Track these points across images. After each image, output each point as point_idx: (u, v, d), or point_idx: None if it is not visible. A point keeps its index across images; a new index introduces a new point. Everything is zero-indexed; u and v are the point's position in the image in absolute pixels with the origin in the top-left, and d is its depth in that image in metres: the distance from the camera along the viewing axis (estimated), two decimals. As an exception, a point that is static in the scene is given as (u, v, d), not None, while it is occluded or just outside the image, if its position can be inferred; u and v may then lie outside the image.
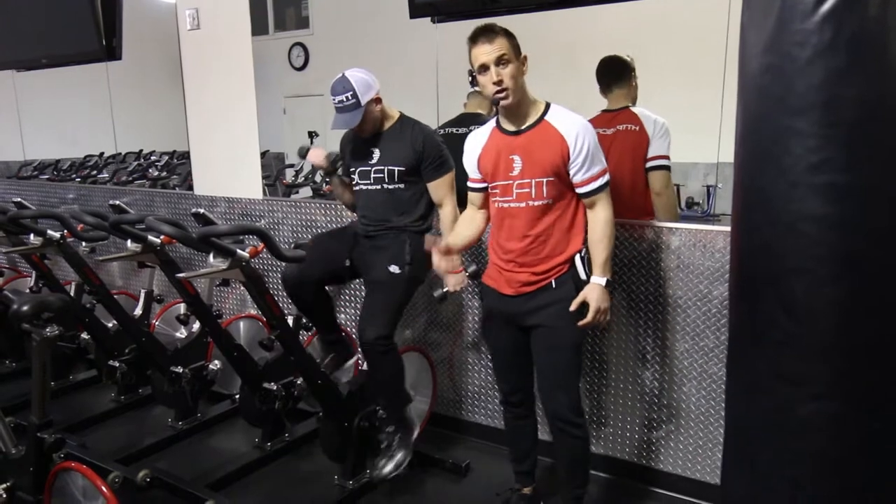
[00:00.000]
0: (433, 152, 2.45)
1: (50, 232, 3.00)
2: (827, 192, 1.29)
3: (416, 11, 2.79)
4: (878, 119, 1.27)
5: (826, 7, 1.24)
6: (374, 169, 2.48)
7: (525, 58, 1.97)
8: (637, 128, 2.66)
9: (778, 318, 1.36)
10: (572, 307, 2.03)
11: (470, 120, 3.00)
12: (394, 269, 2.42)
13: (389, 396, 2.52)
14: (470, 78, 2.95)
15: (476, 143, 2.15)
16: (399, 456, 2.48)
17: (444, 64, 3.33)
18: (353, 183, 2.57)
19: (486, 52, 1.92)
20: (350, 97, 2.34)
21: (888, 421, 1.36)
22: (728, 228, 2.26)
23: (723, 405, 2.33)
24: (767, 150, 1.34)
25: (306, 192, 4.92)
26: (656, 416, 2.53)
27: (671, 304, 2.43)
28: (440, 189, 2.47)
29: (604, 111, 2.77)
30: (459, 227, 2.28)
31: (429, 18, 2.87)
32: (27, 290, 3.52)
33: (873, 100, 1.26)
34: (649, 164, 2.66)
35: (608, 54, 2.77)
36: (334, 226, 3.19)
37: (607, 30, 3.64)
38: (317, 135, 5.41)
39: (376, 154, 2.49)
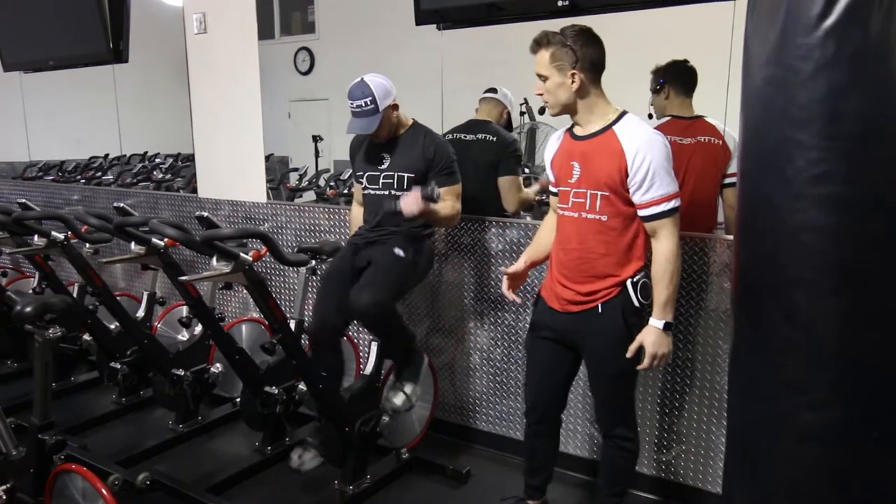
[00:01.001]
0: (443, 161, 2.46)
1: (54, 233, 3.02)
2: (829, 203, 1.31)
3: (422, 18, 2.81)
4: (880, 133, 1.29)
5: (829, 22, 1.25)
6: (383, 174, 2.50)
7: (573, 75, 1.86)
8: (720, 142, 2.57)
9: (779, 326, 1.38)
10: (629, 354, 1.90)
11: (478, 127, 3.02)
12: (398, 251, 2.43)
13: (395, 346, 2.57)
14: None
15: (553, 144, 2.09)
16: (408, 388, 2.58)
17: (450, 70, 3.34)
18: (363, 187, 2.59)
19: (536, 61, 1.91)
20: (369, 102, 2.35)
21: (889, 429, 1.37)
22: (730, 237, 2.29)
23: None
24: (770, 161, 1.36)
25: (310, 195, 4.93)
26: (675, 428, 2.50)
27: (710, 315, 2.34)
28: (446, 197, 2.48)
29: (675, 117, 2.65)
30: (539, 234, 2.20)
31: (435, 25, 2.89)
32: (30, 291, 3.54)
33: (875, 114, 1.28)
34: (729, 181, 2.56)
35: (681, 59, 2.69)
36: (337, 230, 3.21)
37: (612, 37, 3.66)
38: (321, 139, 5.44)
39: (387, 160, 2.51)
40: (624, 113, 1.93)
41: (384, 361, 2.66)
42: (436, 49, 3.21)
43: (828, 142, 1.29)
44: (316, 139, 5.39)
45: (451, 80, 3.38)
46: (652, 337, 1.88)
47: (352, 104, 2.38)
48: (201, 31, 3.48)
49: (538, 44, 1.90)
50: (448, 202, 2.46)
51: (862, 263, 1.33)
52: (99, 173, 5.14)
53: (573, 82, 1.87)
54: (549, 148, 2.10)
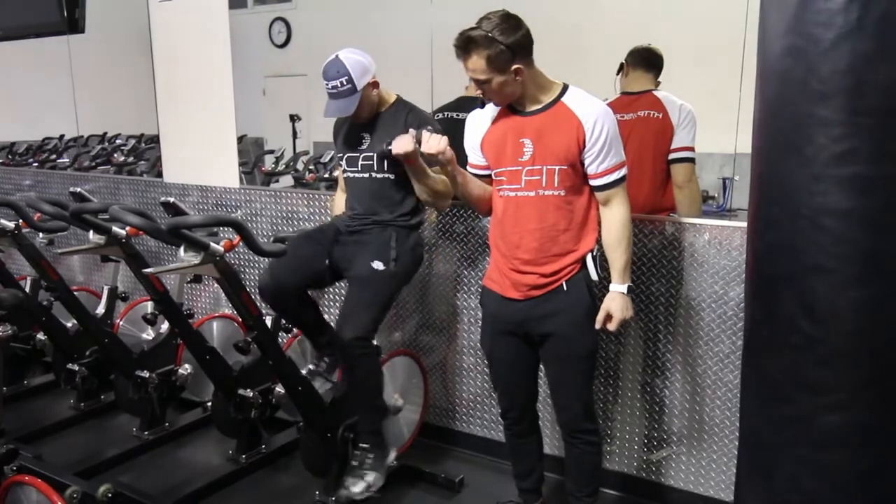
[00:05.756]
0: None
1: (3, 221, 3.00)
2: (852, 185, 1.31)
3: (410, -16, 2.79)
4: (909, 107, 1.28)
5: (853, -16, 1.25)
6: (362, 156, 2.49)
7: (515, 70, 1.91)
8: (660, 115, 2.68)
9: (797, 320, 1.38)
10: (597, 325, 2.05)
11: (469, 104, 3.00)
12: (377, 265, 2.42)
13: (365, 407, 2.51)
14: None
15: (480, 122, 2.12)
16: (370, 478, 2.44)
17: (440, 42, 3.33)
18: (343, 170, 2.58)
19: (466, 67, 1.94)
20: (345, 82, 2.33)
21: (916, 433, 1.38)
22: (745, 224, 2.32)
23: (738, 416, 2.38)
24: (788, 139, 1.36)
25: (287, 180, 4.92)
26: (666, 427, 2.55)
27: (684, 305, 2.45)
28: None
29: (624, 93, 2.79)
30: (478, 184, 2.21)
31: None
32: (-22, 286, 3.51)
33: (903, 86, 1.27)
34: (673, 156, 2.68)
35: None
36: (317, 217, 3.20)
37: (616, 9, 3.66)
38: (299, 118, 5.42)
39: (367, 140, 2.49)
40: (566, 85, 2.03)
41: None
42: (425, 18, 3.20)
43: (852, 117, 1.29)
44: (293, 118, 5.36)
45: (441, 52, 3.37)
46: (619, 302, 2.04)
47: (327, 85, 2.36)
48: (166, -1, 3.45)
49: (465, 50, 1.91)
50: (442, 177, 2.44)
51: (888, 251, 1.32)
52: (53, 156, 5.11)
53: (517, 76, 1.93)
54: (476, 126, 2.13)
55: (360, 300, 2.42)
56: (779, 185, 1.38)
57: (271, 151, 5.11)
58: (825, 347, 1.37)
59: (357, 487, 2.43)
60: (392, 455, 2.57)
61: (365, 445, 2.48)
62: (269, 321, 2.71)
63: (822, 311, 1.36)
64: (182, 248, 2.28)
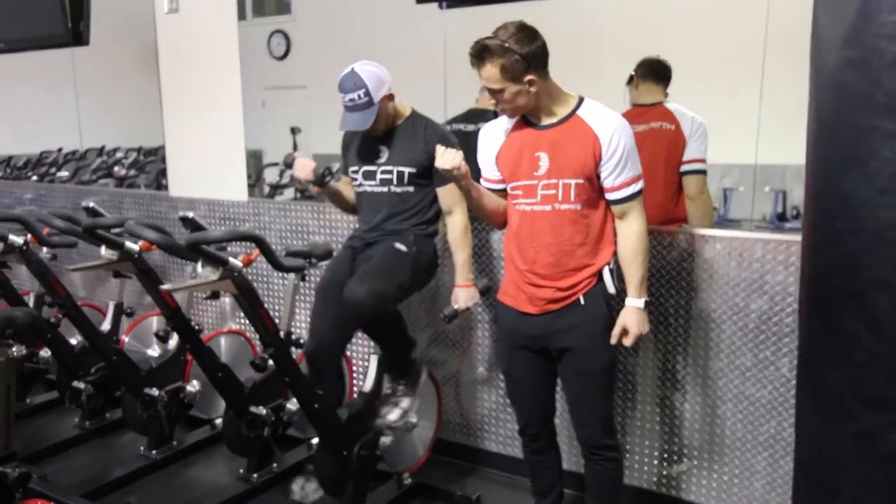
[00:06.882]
0: None
1: (12, 237, 2.92)
2: (921, 199, 1.28)
3: (423, -5, 2.76)
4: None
5: (919, -4, 1.22)
6: (381, 169, 2.45)
7: (529, 81, 1.89)
8: (672, 126, 2.69)
9: (861, 336, 1.35)
10: (613, 340, 2.02)
11: (479, 116, 2.99)
12: (399, 245, 2.40)
13: (391, 348, 2.55)
14: None
15: (495, 135, 2.10)
16: (405, 403, 2.55)
17: (453, 53, 3.30)
18: (357, 184, 2.53)
19: (480, 76, 1.93)
20: (362, 95, 2.29)
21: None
22: (766, 236, 2.30)
23: (761, 430, 2.34)
24: (849, 153, 1.33)
25: (289, 193, 4.86)
26: (686, 442, 2.51)
27: (703, 318, 2.41)
28: (450, 195, 2.43)
29: (635, 105, 2.80)
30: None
31: (436, 4, 2.83)
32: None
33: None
34: (685, 168, 2.68)
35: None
36: (325, 231, 3.14)
37: (629, 20, 3.64)
38: (299, 130, 5.37)
39: (385, 153, 2.46)
40: (582, 98, 2.00)
41: (384, 377, 2.61)
42: (436, 29, 3.16)
43: (919, 131, 1.26)
44: (294, 131, 5.32)
45: (454, 64, 3.33)
46: (635, 317, 2.01)
47: (344, 97, 2.32)
48: (173, 11, 3.40)
49: (480, 59, 1.90)
50: (456, 228, 2.43)
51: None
52: (53, 169, 5.01)
53: (531, 86, 1.91)
54: (491, 140, 2.10)
55: (375, 266, 2.36)
56: (839, 200, 1.35)
57: (275, 164, 5.06)
58: (891, 363, 1.33)
59: (393, 415, 2.52)
60: (424, 374, 2.66)
61: (396, 374, 2.56)
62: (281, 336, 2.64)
63: (886, 326, 1.32)
64: (199, 264, 2.21)
